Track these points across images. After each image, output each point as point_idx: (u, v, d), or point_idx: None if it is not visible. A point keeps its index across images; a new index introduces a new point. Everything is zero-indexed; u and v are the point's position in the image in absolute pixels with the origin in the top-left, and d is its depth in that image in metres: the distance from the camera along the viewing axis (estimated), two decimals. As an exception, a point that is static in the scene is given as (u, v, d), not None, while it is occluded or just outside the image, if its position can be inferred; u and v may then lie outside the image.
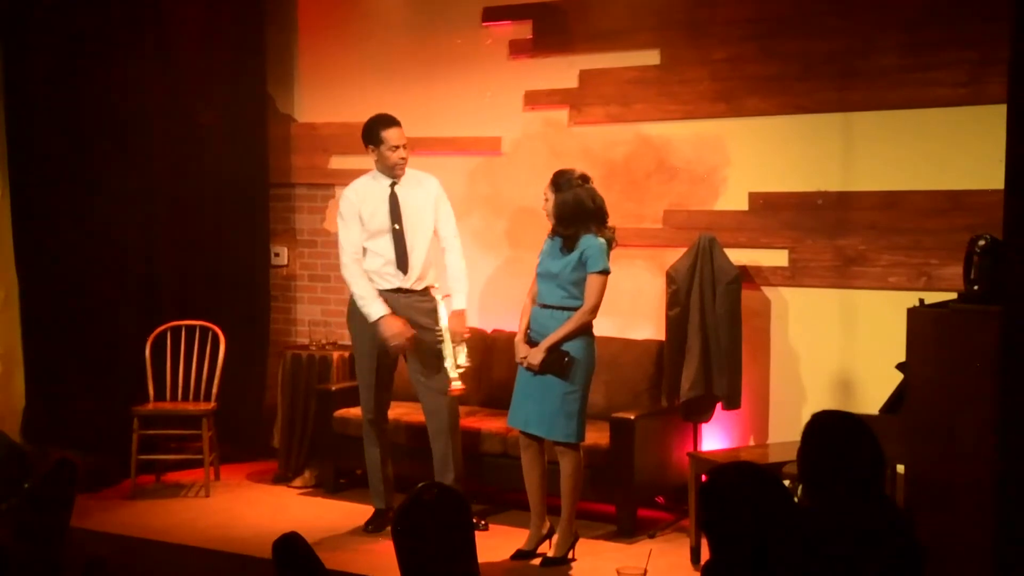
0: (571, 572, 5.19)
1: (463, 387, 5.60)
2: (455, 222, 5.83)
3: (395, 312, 5.63)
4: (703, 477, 2.99)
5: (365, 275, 5.68)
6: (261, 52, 7.41)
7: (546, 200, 5.23)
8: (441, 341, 5.59)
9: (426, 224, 5.72)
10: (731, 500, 2.85)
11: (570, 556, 5.26)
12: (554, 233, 5.25)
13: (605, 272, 5.14)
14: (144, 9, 6.83)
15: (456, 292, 5.73)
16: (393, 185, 5.72)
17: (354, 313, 5.77)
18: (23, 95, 6.43)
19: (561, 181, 5.19)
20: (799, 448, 3.23)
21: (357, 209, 5.70)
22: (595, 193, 5.20)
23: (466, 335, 5.67)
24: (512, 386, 5.29)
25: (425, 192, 5.76)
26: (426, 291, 5.73)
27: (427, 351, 5.65)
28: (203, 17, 7.15)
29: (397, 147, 5.65)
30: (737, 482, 2.89)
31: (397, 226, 5.69)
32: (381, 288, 5.68)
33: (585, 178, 5.21)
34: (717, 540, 2.87)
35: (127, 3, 6.73)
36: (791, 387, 5.98)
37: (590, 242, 5.13)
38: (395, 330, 5.58)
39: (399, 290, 5.68)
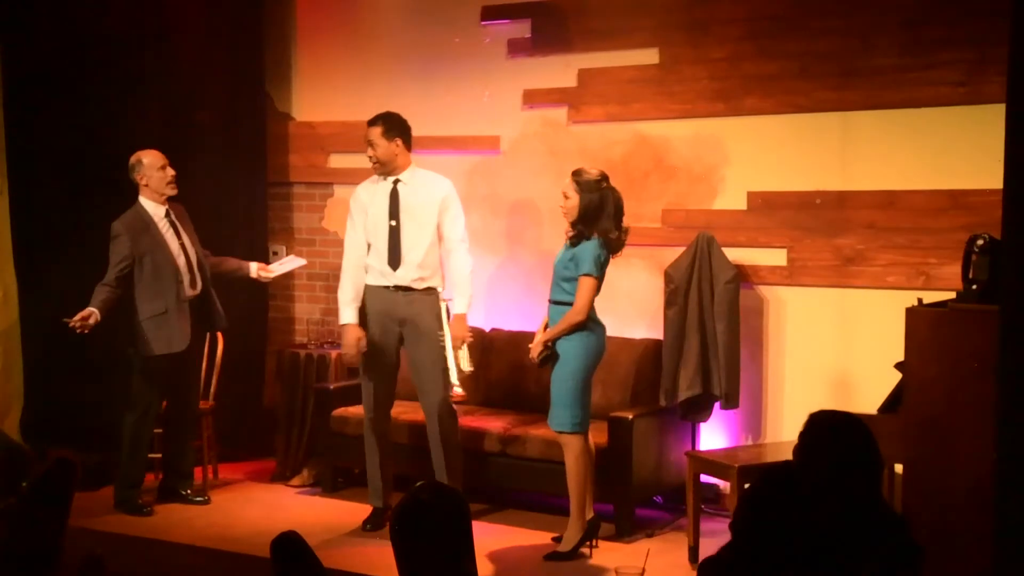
0: (570, 571, 5.19)
1: (464, 393, 5.59)
2: (463, 226, 5.75)
3: (391, 312, 5.65)
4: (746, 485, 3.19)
5: (353, 278, 5.69)
6: (259, 50, 7.41)
7: (566, 199, 5.23)
8: (443, 345, 5.58)
9: (426, 224, 5.66)
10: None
11: (584, 551, 5.27)
12: (571, 228, 5.26)
13: (590, 275, 5.14)
14: (143, 8, 6.83)
15: (457, 296, 5.69)
16: (396, 183, 5.71)
17: (354, 313, 5.79)
18: (23, 95, 6.42)
19: (584, 181, 5.20)
20: (795, 447, 3.23)
21: (365, 207, 5.71)
22: (617, 194, 5.23)
23: (468, 339, 5.63)
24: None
25: (431, 193, 5.70)
26: (430, 291, 5.67)
27: (427, 353, 5.63)
28: (202, 15, 7.15)
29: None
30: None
31: (394, 222, 5.67)
32: (379, 284, 5.68)
33: (605, 177, 5.24)
34: (743, 540, 2.88)
35: (127, 2, 6.73)
36: (789, 386, 5.99)
37: (586, 246, 5.16)
38: (349, 341, 5.65)
39: (396, 287, 5.66)
